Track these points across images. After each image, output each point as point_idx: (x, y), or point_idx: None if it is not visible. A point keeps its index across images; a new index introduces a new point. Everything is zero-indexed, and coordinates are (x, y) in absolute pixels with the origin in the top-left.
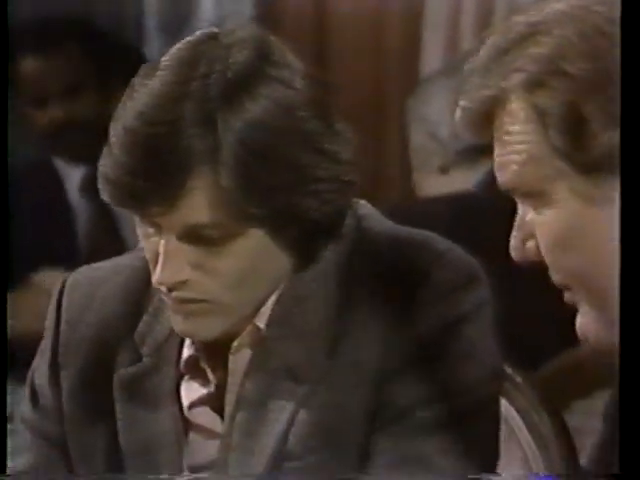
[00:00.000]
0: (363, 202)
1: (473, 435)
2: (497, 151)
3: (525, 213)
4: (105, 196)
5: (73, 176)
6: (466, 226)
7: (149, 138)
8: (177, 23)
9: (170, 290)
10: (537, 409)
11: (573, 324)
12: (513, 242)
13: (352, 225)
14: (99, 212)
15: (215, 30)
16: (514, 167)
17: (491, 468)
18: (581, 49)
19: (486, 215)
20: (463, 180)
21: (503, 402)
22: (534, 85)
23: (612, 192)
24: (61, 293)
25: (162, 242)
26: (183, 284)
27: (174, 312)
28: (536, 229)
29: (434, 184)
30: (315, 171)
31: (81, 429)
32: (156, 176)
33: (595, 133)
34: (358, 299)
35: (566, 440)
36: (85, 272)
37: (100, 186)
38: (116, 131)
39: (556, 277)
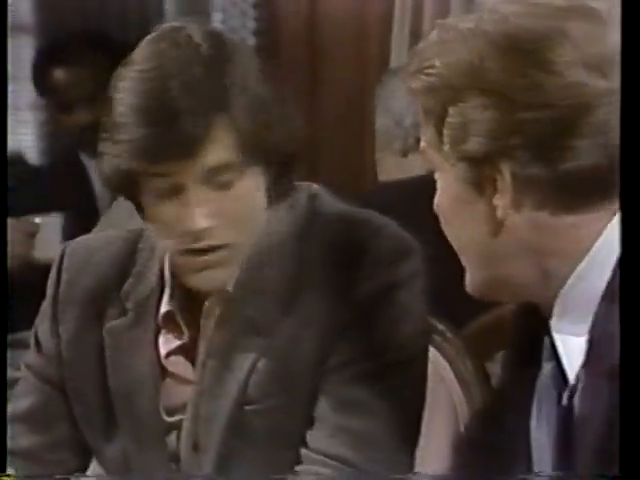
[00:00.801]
0: (316, 186)
1: (403, 383)
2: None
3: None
4: (138, 165)
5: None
6: (421, 208)
7: (169, 99)
8: None
9: (195, 239)
10: (463, 359)
11: None
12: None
13: (306, 204)
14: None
15: (173, 25)
16: (423, 142)
17: (418, 409)
18: (466, 66)
19: None
20: (421, 165)
21: (435, 353)
22: (426, 90)
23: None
24: (61, 258)
25: (187, 194)
26: (205, 232)
27: (193, 268)
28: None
29: (394, 165)
30: (282, 113)
31: (76, 373)
32: (182, 129)
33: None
34: (310, 266)
35: (486, 385)
36: (82, 241)
37: (109, 173)
38: (128, 101)
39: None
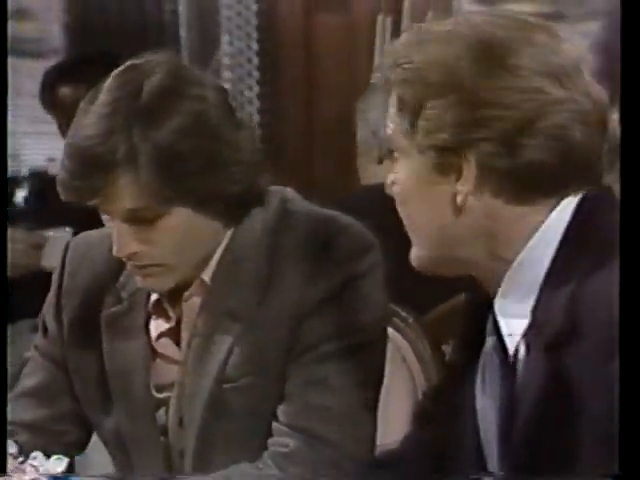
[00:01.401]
0: (289, 189)
1: (364, 362)
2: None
3: (395, 163)
4: (63, 197)
5: None
6: (393, 208)
7: (86, 149)
8: (203, 56)
9: (128, 259)
10: (422, 341)
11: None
12: (387, 183)
13: (278, 205)
14: None
15: (136, 62)
16: (389, 129)
17: (377, 386)
18: (439, 68)
19: None
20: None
21: (398, 336)
22: (403, 83)
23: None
24: (65, 252)
25: (113, 225)
26: (135, 255)
27: (134, 274)
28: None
29: (372, 171)
30: (221, 158)
31: (77, 355)
32: (92, 177)
33: (431, 128)
34: (281, 261)
35: (442, 364)
36: (82, 237)
37: (58, 189)
38: (66, 147)
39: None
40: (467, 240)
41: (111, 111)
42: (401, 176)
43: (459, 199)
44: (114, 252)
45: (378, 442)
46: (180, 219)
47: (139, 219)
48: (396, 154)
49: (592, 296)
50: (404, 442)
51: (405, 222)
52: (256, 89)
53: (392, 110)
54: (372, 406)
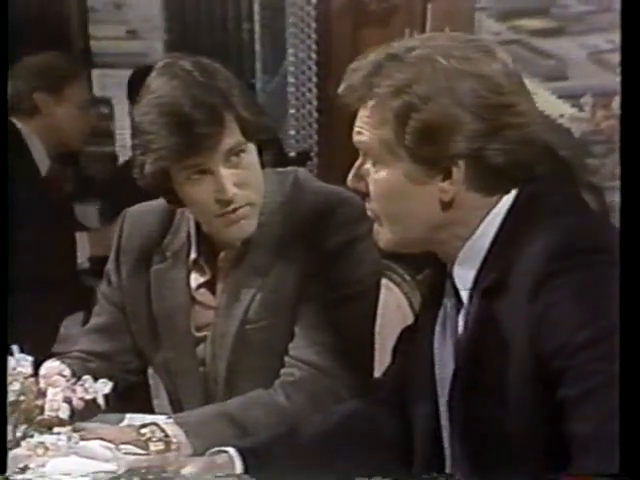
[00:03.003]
0: (302, 169)
1: (359, 308)
2: (358, 123)
3: (363, 162)
4: (155, 178)
5: None
6: None
7: (185, 114)
8: (273, 65)
9: (226, 206)
10: (414, 294)
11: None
12: (350, 177)
13: (292, 181)
14: None
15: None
16: (363, 138)
17: (371, 327)
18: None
19: None
20: None
21: (395, 288)
22: (395, 95)
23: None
24: (123, 219)
25: (216, 175)
26: (235, 196)
27: (231, 223)
28: (369, 177)
29: None
30: (249, 97)
31: (132, 301)
32: (198, 134)
33: (433, 138)
34: (294, 226)
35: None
36: (136, 208)
37: (148, 175)
38: (154, 120)
39: (370, 209)
40: (444, 226)
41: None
42: (383, 178)
43: (447, 196)
44: (222, 196)
45: (375, 374)
46: (252, 155)
47: (232, 161)
48: (371, 159)
49: (522, 259)
50: (384, 372)
51: (385, 214)
52: (315, 91)
53: (367, 120)
54: (367, 343)
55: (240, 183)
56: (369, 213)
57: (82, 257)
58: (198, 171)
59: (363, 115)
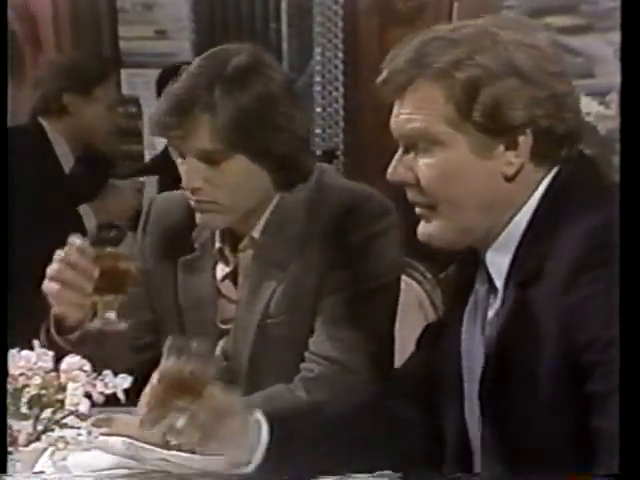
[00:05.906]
0: (327, 165)
1: (379, 304)
2: (404, 110)
3: (405, 152)
4: (151, 131)
5: None
6: None
7: (175, 95)
8: (301, 64)
9: (192, 194)
10: (436, 292)
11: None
12: (392, 170)
13: (317, 178)
14: None
15: (225, 46)
16: (417, 123)
17: (391, 323)
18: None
19: None
20: None
21: (417, 286)
22: (456, 69)
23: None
24: (150, 206)
25: (185, 161)
26: (198, 190)
27: (196, 210)
28: (416, 165)
29: None
30: (276, 123)
31: (157, 286)
32: (176, 115)
33: (502, 109)
34: (316, 222)
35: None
36: (164, 196)
37: (150, 124)
38: (163, 94)
39: (420, 201)
40: (498, 207)
41: (199, 72)
42: (441, 160)
43: (512, 169)
44: (183, 184)
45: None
46: (239, 165)
47: (208, 159)
48: (423, 144)
49: (557, 249)
50: (406, 361)
51: (442, 199)
52: (341, 89)
53: (420, 103)
54: (387, 339)
55: (211, 180)
56: (417, 210)
57: (89, 226)
58: (177, 150)
59: (413, 99)
